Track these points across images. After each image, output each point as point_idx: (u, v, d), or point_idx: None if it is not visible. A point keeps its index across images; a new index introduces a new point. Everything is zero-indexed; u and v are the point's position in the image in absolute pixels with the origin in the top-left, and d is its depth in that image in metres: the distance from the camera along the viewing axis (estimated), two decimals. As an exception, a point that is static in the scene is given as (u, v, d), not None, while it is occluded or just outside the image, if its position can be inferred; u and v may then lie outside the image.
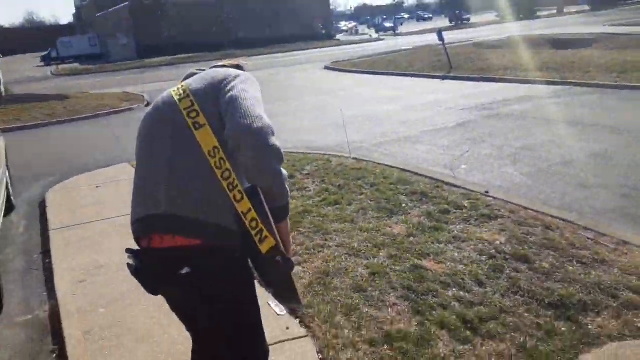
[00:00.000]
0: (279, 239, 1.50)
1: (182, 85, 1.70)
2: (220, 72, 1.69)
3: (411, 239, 3.93)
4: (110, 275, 3.72)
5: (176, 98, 1.64)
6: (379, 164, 6.25)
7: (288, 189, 1.57)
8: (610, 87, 10.56)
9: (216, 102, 1.59)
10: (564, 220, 4.12)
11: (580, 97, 9.96)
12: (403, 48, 26.27)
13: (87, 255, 4.18)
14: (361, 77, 17.09)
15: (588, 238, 3.78)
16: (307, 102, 12.38)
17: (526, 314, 2.87)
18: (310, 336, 2.83)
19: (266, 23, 47.62)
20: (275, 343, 2.78)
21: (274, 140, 1.49)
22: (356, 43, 39.28)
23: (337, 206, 4.80)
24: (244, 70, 1.82)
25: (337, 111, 8.82)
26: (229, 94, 1.57)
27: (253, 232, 1.48)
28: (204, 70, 1.80)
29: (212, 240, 1.51)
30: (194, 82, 1.68)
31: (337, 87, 14.96)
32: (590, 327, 2.75)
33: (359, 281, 3.35)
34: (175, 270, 1.51)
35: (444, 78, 14.44)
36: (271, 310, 3.09)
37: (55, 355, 3.00)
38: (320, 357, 2.65)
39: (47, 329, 3.29)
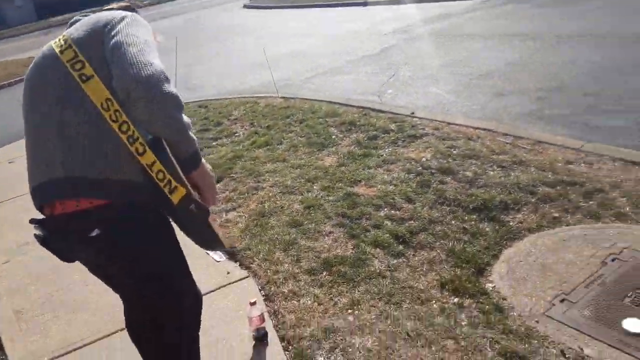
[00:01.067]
0: (190, 187, 1.44)
1: (64, 35, 1.53)
2: (104, 16, 1.53)
3: (342, 168, 3.97)
4: (37, 251, 3.53)
5: (57, 50, 1.48)
6: (306, 99, 6.17)
7: (194, 137, 1.49)
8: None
9: (102, 49, 1.44)
10: (484, 129, 4.28)
11: (496, 8, 10.14)
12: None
13: (8, 234, 3.94)
14: (282, 12, 16.54)
15: (506, 143, 3.96)
16: (228, 44, 11.89)
17: (453, 222, 3.01)
18: (252, 276, 2.85)
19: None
20: (218, 288, 2.79)
21: (168, 87, 1.37)
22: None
23: (268, 147, 4.74)
24: (136, 12, 1.66)
25: (260, 51, 8.54)
26: (114, 40, 1.42)
27: (162, 184, 1.40)
28: (88, 14, 1.62)
29: (118, 198, 1.43)
30: (76, 30, 1.52)
31: (259, 25, 14.42)
32: (511, 224, 2.93)
33: (295, 216, 3.38)
34: (84, 234, 1.43)
35: (365, 4, 14.22)
36: (210, 259, 3.08)
37: (-11, 340, 2.86)
38: (263, 293, 2.69)
39: (-23, 316, 3.12)
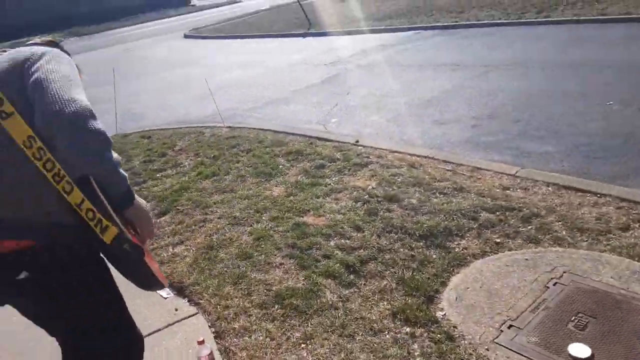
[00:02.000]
0: (122, 226, 1.40)
1: None
2: (23, 52, 1.47)
3: (291, 198, 3.98)
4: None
5: None
6: (252, 128, 6.18)
7: (124, 174, 1.44)
8: (452, 27, 11.52)
9: (22, 86, 1.39)
10: (425, 157, 4.45)
11: (427, 40, 10.70)
12: (262, 9, 25.84)
13: None
14: (223, 42, 16.57)
15: (447, 170, 4.13)
16: (169, 75, 11.73)
17: (401, 249, 3.08)
18: (201, 312, 2.77)
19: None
20: (166, 327, 2.69)
21: (95, 124, 1.33)
22: (214, 7, 37.73)
23: (215, 178, 4.68)
24: (60, 47, 1.61)
25: (203, 81, 8.49)
26: (34, 76, 1.37)
27: (92, 223, 1.35)
28: (5, 51, 1.56)
29: (44, 239, 1.37)
30: None
31: (200, 55, 14.36)
32: (457, 250, 3.04)
33: (244, 248, 3.33)
34: (12, 276, 1.36)
35: (304, 36, 14.55)
36: (157, 295, 2.96)
37: None
38: (213, 330, 2.61)
39: None
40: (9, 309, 1.55)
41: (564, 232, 3.06)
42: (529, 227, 3.15)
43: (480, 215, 3.35)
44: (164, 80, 11.18)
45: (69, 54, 1.57)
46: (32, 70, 1.39)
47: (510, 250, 2.97)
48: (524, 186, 3.70)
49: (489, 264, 2.88)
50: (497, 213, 3.35)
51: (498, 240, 3.07)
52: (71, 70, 1.46)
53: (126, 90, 9.85)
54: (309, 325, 2.52)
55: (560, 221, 3.17)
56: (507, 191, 3.66)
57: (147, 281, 1.54)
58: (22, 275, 1.36)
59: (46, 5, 36.03)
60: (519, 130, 5.00)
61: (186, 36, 19.78)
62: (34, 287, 1.39)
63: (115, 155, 1.41)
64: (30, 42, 1.63)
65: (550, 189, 3.61)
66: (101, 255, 1.51)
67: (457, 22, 11.72)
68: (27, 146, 1.33)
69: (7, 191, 1.35)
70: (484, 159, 4.40)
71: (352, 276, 2.88)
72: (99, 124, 1.35)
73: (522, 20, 10.57)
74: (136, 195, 1.52)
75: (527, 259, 2.85)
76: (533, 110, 5.44)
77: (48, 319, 1.54)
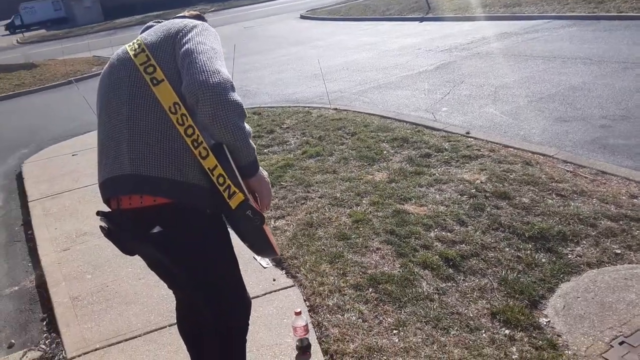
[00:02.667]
0: (247, 194, 1.48)
1: (138, 40, 1.61)
2: (176, 23, 1.60)
3: (393, 184, 3.94)
4: (94, 241, 3.70)
5: (131, 53, 1.56)
6: (359, 112, 6.18)
7: (253, 145, 1.52)
8: (588, 17, 10.42)
9: (173, 55, 1.52)
10: (543, 155, 4.15)
11: (558, 30, 9.84)
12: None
13: (69, 223, 4.14)
14: (338, 24, 16.66)
15: (567, 171, 3.82)
16: (284, 53, 12.08)
17: (507, 249, 2.92)
18: (297, 285, 2.87)
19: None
20: (264, 294, 2.82)
21: (234, 96, 1.43)
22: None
23: (319, 158, 4.77)
24: (205, 21, 1.73)
25: (315, 61, 8.63)
26: (185, 47, 1.49)
27: (221, 189, 1.45)
28: (161, 21, 1.71)
29: (179, 198, 1.48)
30: (149, 36, 1.60)
31: (314, 36, 14.58)
32: (570, 256, 2.81)
33: (343, 229, 3.37)
34: (146, 230, 1.48)
35: (422, 20, 14.12)
36: (257, 264, 3.12)
37: (45, 322, 3.01)
38: (308, 304, 2.69)
39: (35, 298, 3.30)
40: (126, 258, 1.70)
41: (699, 252, 2.70)
42: (658, 241, 2.82)
43: (601, 223, 3.06)
44: (278, 58, 11.54)
45: None
46: (184, 41, 1.51)
47: (630, 263, 2.69)
48: (656, 196, 3.31)
49: (605, 275, 2.63)
50: (621, 222, 3.04)
51: (618, 252, 2.79)
52: (217, 43, 1.57)
53: (242, 66, 10.34)
54: (402, 312, 2.50)
55: (696, 238, 2.80)
56: (635, 200, 3.29)
57: (263, 247, 1.63)
58: (156, 230, 1.48)
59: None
60: (657, 134, 4.46)
61: (302, 17, 20.19)
62: (165, 240, 1.51)
63: (247, 126, 1.50)
64: (180, 14, 1.77)
65: (689, 202, 3.19)
66: (223, 218, 1.61)
67: (594, 12, 10.59)
68: (172, 112, 1.46)
69: (152, 151, 1.47)
70: (611, 162, 3.99)
71: (450, 270, 2.79)
72: (237, 96, 1.44)
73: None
74: (261, 167, 1.60)
75: (651, 276, 2.56)
76: (676, 114, 4.81)
77: (172, 272, 1.68)
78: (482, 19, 12.40)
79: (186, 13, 1.81)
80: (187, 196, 1.49)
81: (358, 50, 10.97)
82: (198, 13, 1.83)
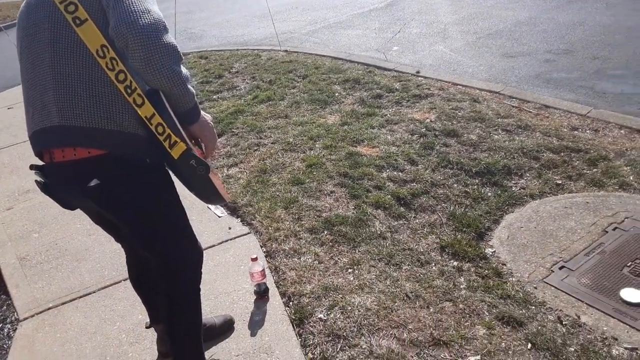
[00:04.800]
0: (189, 142, 1.42)
1: None
2: None
3: (345, 127, 3.94)
4: (38, 199, 3.55)
5: None
6: (310, 54, 6.04)
7: (192, 90, 1.45)
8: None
9: None
10: (490, 91, 4.22)
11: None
12: None
13: (10, 181, 3.93)
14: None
15: (512, 106, 3.92)
16: (229, -6, 11.51)
17: (455, 185, 3.02)
18: (253, 232, 2.88)
19: None
20: (220, 243, 2.82)
21: (167, 38, 1.33)
22: None
23: (270, 102, 4.67)
24: None
25: (263, 1, 8.28)
26: None
27: (161, 138, 1.38)
28: None
29: (115, 149, 1.41)
30: None
31: (261, -26, 13.90)
32: (514, 189, 2.94)
33: (297, 174, 3.37)
34: (83, 182, 1.41)
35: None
36: (212, 213, 3.09)
37: (-7, 286, 2.91)
38: (264, 250, 2.72)
39: (-20, 262, 3.16)
40: (74, 214, 1.64)
41: (631, 178, 2.87)
42: (595, 170, 2.98)
43: (543, 155, 3.19)
44: (223, -1, 10.99)
45: None
46: None
47: (571, 192, 2.84)
48: (594, 127, 3.46)
49: (547, 204, 2.78)
50: (562, 154, 3.18)
51: (559, 182, 2.93)
52: None
53: (185, 7, 9.79)
54: (357, 252, 2.57)
55: (629, 166, 2.97)
56: (576, 132, 3.44)
57: (210, 195, 1.58)
58: (93, 183, 1.40)
59: None
60: (596, 68, 4.61)
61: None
62: (103, 193, 1.44)
63: (184, 70, 1.41)
64: None
65: (622, 131, 3.36)
66: (166, 167, 1.55)
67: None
68: (100, 56, 1.34)
69: (81, 100, 1.37)
70: (554, 96, 4.12)
71: (402, 208, 2.87)
72: (170, 38, 1.34)
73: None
74: (203, 112, 1.54)
75: (587, 202, 2.72)
76: (614, 48, 4.96)
77: (116, 224, 1.61)
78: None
79: None
80: (122, 146, 1.41)
81: (307, -12, 10.58)
82: None
